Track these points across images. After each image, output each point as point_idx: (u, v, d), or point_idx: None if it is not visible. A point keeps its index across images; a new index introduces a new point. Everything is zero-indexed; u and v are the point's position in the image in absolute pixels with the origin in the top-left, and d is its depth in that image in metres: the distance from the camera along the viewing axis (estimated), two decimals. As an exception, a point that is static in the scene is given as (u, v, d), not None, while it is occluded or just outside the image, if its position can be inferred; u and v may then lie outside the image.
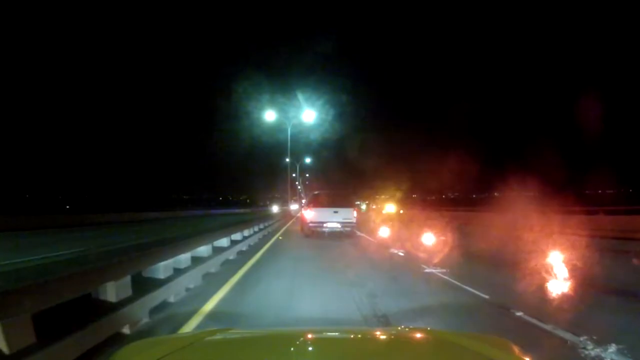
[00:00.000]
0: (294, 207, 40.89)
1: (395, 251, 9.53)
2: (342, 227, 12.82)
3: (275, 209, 44.16)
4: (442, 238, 9.80)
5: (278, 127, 25.80)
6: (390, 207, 28.74)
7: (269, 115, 23.56)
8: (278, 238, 13.59)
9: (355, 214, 13.23)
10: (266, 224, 16.23)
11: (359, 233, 14.82)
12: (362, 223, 20.93)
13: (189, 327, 3.60)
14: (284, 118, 25.08)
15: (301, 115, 23.99)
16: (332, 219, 12.82)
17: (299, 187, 53.63)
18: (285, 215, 30.74)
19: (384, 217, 26.80)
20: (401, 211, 28.87)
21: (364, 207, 40.67)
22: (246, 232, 10.96)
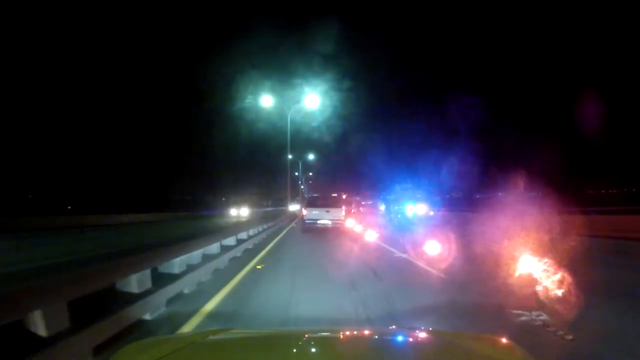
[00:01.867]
0: (293, 207, 36.47)
1: (537, 317, 3.79)
2: (332, 223, 15.12)
3: (237, 212, 25.56)
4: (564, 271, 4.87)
5: (278, 115, 23.99)
6: (417, 208, 23.12)
7: (267, 101, 21.78)
8: (255, 268, 6.87)
9: (343, 213, 15.62)
10: (246, 235, 9.92)
11: (397, 253, 8.76)
12: (393, 233, 13.55)
13: None
14: (285, 106, 23.27)
15: (302, 101, 22.37)
16: (324, 217, 15.14)
17: (302, 186, 52.98)
18: (285, 219, 21.75)
19: (414, 220, 20.65)
20: (431, 213, 23.46)
21: (382, 207, 32.19)
22: (192, 261, 5.44)
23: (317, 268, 6.99)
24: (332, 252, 9.40)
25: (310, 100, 22.22)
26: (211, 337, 1.45)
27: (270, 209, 50.10)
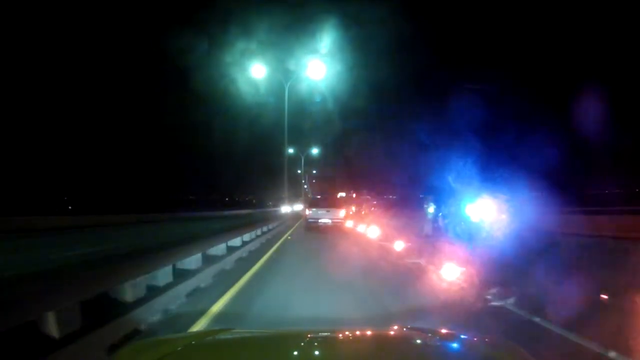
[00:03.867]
0: (296, 207, 31.86)
1: None
2: (332, 222, 16.62)
3: None
4: None
5: (276, 102, 20.75)
6: (482, 210, 12.78)
7: (258, 70, 17.80)
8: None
9: (343, 213, 17.19)
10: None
11: None
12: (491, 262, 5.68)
13: None
14: (282, 79, 19.47)
15: (304, 72, 18.65)
16: (325, 217, 16.73)
17: (305, 185, 51.48)
18: (277, 227, 16.09)
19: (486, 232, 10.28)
20: (503, 216, 13.94)
21: (431, 210, 21.69)
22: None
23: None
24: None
25: (314, 70, 18.05)
26: (211, 337, 1.46)
27: (245, 211, 43.49)
